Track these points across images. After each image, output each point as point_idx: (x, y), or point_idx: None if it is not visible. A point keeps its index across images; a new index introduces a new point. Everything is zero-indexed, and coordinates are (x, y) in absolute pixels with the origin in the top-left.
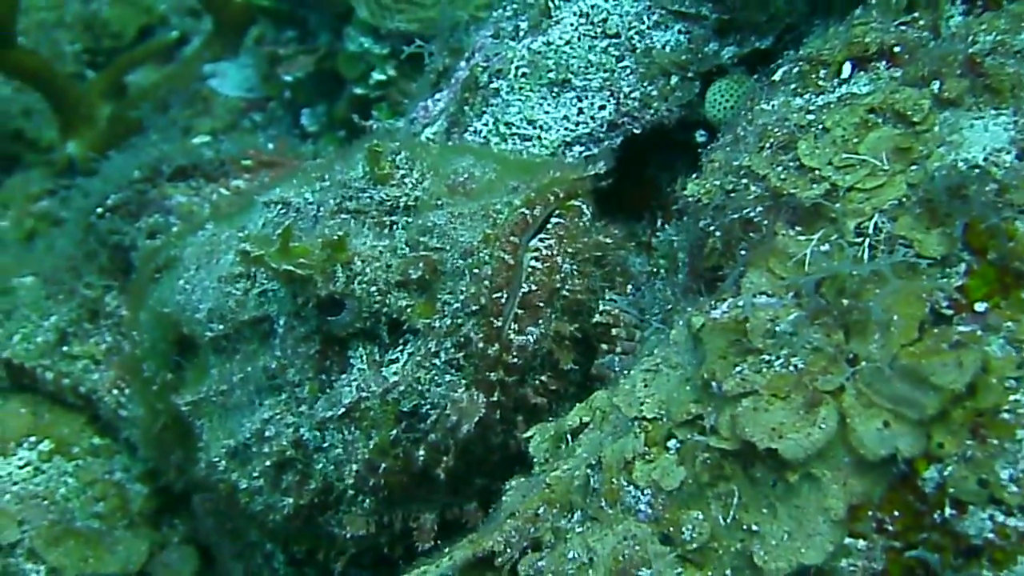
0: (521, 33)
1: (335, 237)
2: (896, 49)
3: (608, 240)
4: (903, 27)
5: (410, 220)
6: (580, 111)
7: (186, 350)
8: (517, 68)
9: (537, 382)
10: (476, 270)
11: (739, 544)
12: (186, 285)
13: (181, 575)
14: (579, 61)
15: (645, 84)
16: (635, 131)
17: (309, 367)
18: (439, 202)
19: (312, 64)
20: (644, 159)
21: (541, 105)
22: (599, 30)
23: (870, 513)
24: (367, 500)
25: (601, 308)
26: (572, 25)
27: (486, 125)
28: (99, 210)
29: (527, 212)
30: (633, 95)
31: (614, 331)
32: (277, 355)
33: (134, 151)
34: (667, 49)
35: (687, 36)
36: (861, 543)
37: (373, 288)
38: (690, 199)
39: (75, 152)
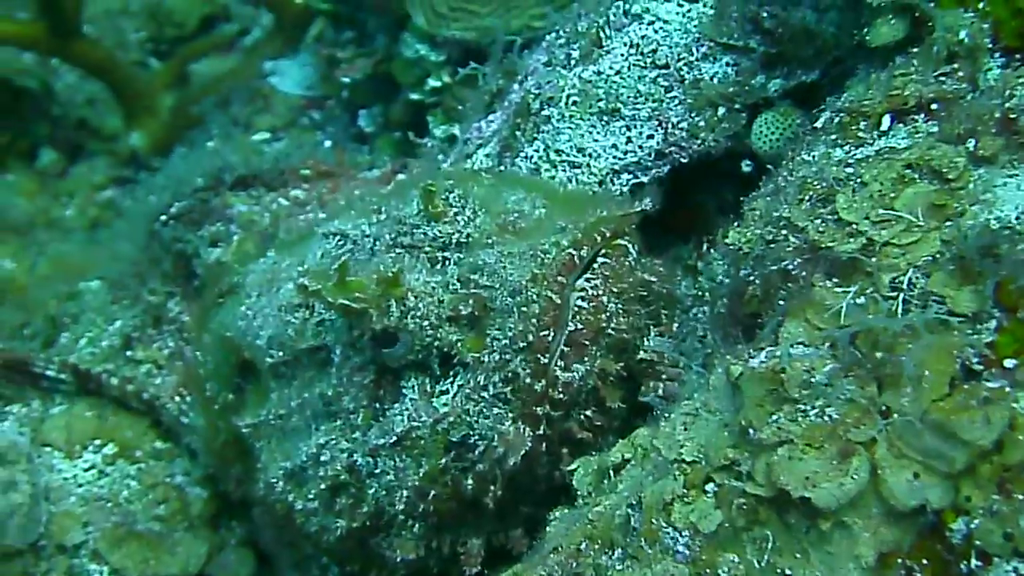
0: (573, 62)
1: (389, 274)
2: (933, 106)
3: (653, 278)
4: (942, 78)
5: (462, 256)
6: (629, 140)
7: (247, 373)
8: (568, 96)
9: (582, 417)
10: (524, 308)
11: None
12: (248, 311)
13: None
14: (629, 91)
15: (693, 115)
16: (682, 160)
17: (364, 395)
18: (490, 240)
19: (369, 67)
20: (691, 187)
21: (591, 133)
22: (649, 60)
23: (900, 561)
24: (416, 525)
25: (645, 346)
26: (622, 55)
27: (537, 151)
28: (163, 218)
29: (574, 252)
30: (681, 125)
31: (657, 368)
32: (333, 383)
33: (196, 154)
34: (715, 81)
35: (735, 68)
36: None
37: (425, 323)
38: (731, 247)
39: (138, 143)
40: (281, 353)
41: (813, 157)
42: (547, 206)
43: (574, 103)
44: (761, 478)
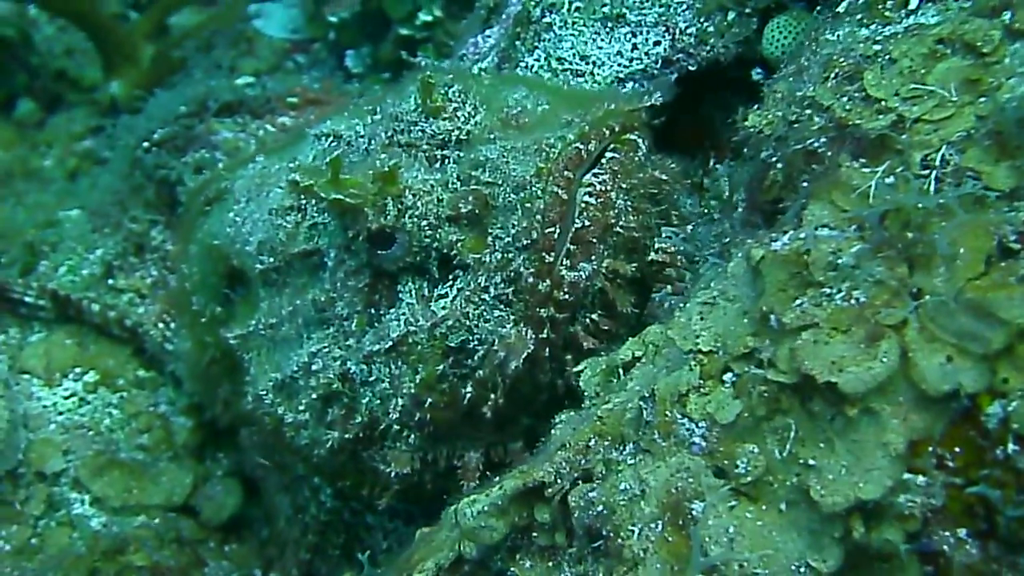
0: None
1: (386, 169)
2: None
3: (664, 176)
4: None
5: (462, 154)
6: (634, 47)
7: (236, 283)
8: (571, 2)
9: (588, 321)
10: (528, 204)
11: (795, 478)
12: (236, 218)
13: (225, 507)
14: None
15: (701, 20)
16: (690, 68)
17: (358, 301)
18: (492, 136)
19: (358, 4)
20: (699, 97)
21: (594, 40)
22: None
23: (930, 449)
24: (412, 436)
25: (656, 246)
26: None
27: (538, 60)
28: (145, 144)
29: (581, 146)
30: (689, 31)
31: (668, 271)
32: (326, 288)
33: (179, 89)
34: None
35: None
36: (920, 479)
37: (424, 222)
38: (751, 130)
39: (119, 91)
40: (272, 259)
41: (838, 36)
42: (551, 102)
43: (577, 9)
44: (784, 364)
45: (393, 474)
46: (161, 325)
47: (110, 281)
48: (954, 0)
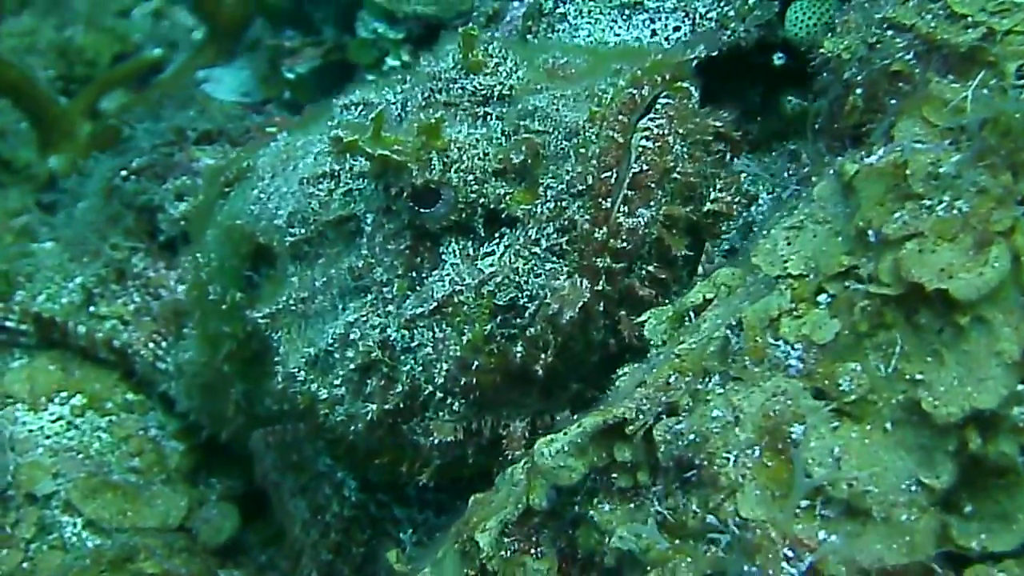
0: None
1: (430, 122)
2: None
3: (718, 123)
4: None
5: (505, 110)
6: (654, 33)
7: (260, 263)
8: None
9: (644, 272)
10: (583, 150)
11: (901, 395)
12: (261, 195)
13: (223, 530)
14: None
15: (721, 4)
16: (711, 54)
17: (399, 264)
18: (538, 87)
19: (319, 56)
20: (715, 86)
21: (612, 28)
22: None
23: None
24: (456, 403)
25: (712, 196)
26: None
27: None
28: (123, 173)
29: (635, 91)
30: (709, 15)
31: (725, 221)
32: (364, 254)
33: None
34: None
35: None
36: None
37: (470, 176)
38: (828, 55)
39: (57, 166)
40: (303, 230)
41: None
42: (594, 58)
43: None
44: (887, 277)
45: (435, 444)
46: (152, 345)
47: (91, 308)
48: None
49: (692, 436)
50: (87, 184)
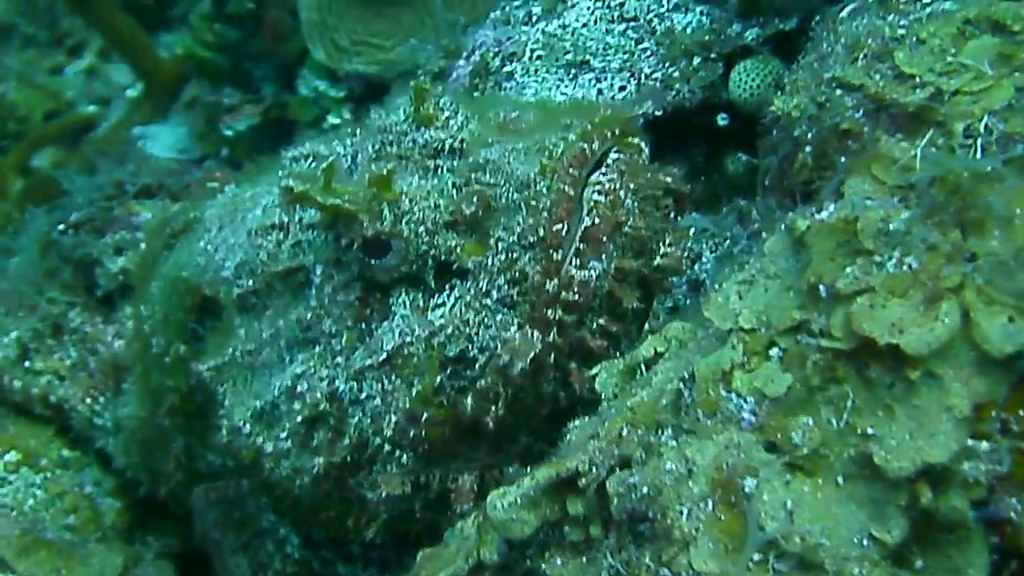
0: (534, 18)
1: (382, 173)
2: None
3: (668, 178)
4: None
5: (456, 163)
6: (599, 92)
7: (206, 316)
8: (532, 51)
9: (595, 324)
10: (534, 202)
11: (853, 449)
12: (208, 246)
13: None
14: (597, 43)
15: (666, 65)
16: (656, 113)
17: (348, 316)
18: (489, 140)
19: (259, 114)
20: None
21: (558, 87)
22: (616, 13)
23: (994, 413)
24: (404, 456)
25: (662, 250)
26: (588, 8)
27: None
28: (61, 226)
29: (586, 145)
30: (654, 76)
31: (673, 277)
32: (313, 305)
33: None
34: (688, 31)
35: (708, 17)
36: (985, 444)
37: (421, 228)
38: (778, 114)
39: None
40: (251, 281)
41: (856, 26)
42: (543, 113)
43: (539, 57)
44: (839, 331)
45: (382, 498)
46: (89, 400)
47: (26, 363)
48: None
49: (645, 489)
50: (22, 237)
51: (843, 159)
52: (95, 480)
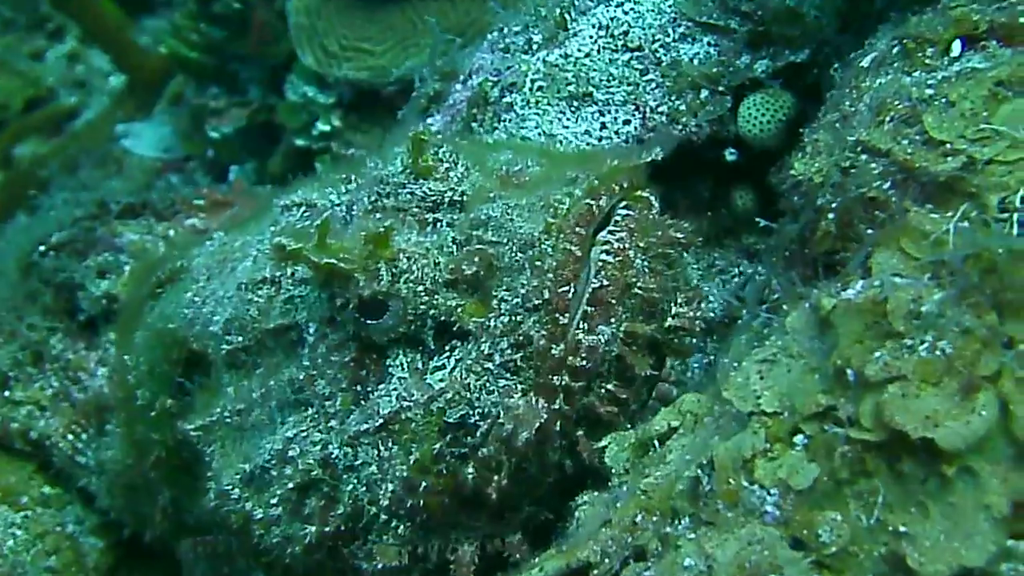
0: (535, 46)
1: (379, 231)
2: (1005, 28)
3: (680, 235)
4: (1005, 6)
5: (456, 217)
6: (603, 125)
7: (193, 370)
8: (532, 81)
9: (603, 390)
10: (539, 263)
11: (884, 548)
12: (195, 298)
13: None
14: (600, 74)
15: (673, 98)
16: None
17: (343, 377)
18: (491, 195)
19: (245, 118)
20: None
21: (560, 120)
22: (620, 43)
23: None
24: (401, 526)
25: (674, 311)
26: (591, 37)
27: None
28: (42, 248)
29: (592, 202)
30: (660, 109)
31: (687, 339)
32: (305, 365)
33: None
34: (695, 62)
35: (716, 49)
36: None
37: (420, 287)
38: (799, 178)
39: None
40: (241, 338)
41: (879, 84)
42: (546, 162)
43: (540, 88)
44: (868, 421)
45: (378, 569)
46: (71, 437)
47: (6, 393)
48: (999, 48)
49: None
50: (1, 255)
51: (869, 231)
52: (77, 518)
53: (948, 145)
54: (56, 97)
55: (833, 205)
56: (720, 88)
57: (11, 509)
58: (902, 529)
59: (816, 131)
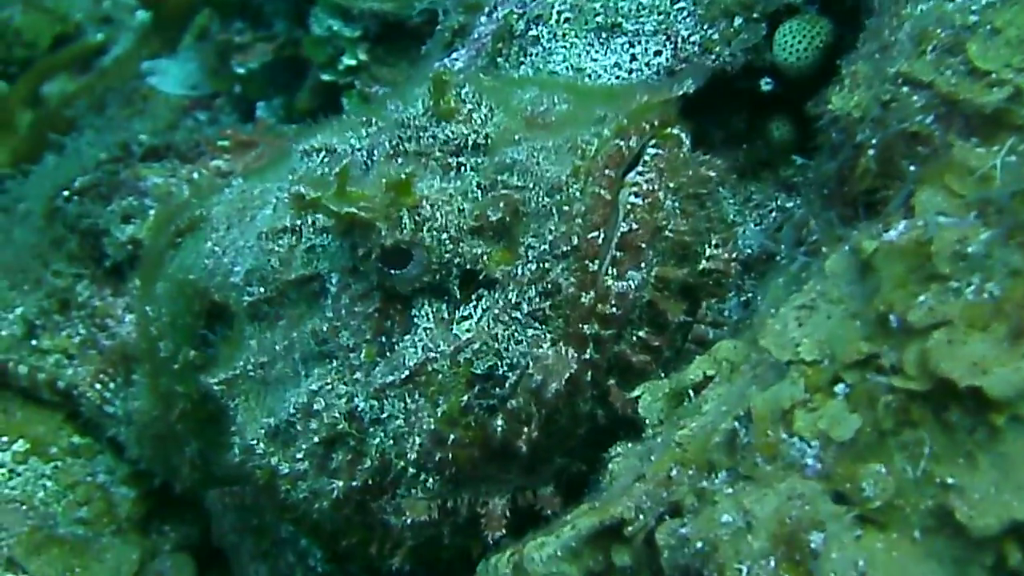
0: None
1: (400, 177)
2: None
3: (712, 173)
4: None
5: (481, 160)
6: (633, 57)
7: (215, 322)
8: (559, 13)
9: (635, 338)
10: (566, 207)
11: (931, 501)
12: (216, 247)
13: None
14: (629, 3)
15: (705, 27)
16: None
17: (367, 328)
18: (516, 137)
19: (271, 52)
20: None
21: (588, 52)
22: None
23: None
24: (430, 479)
25: (708, 252)
26: None
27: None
28: (66, 193)
29: (621, 143)
30: (692, 39)
31: (721, 281)
32: (328, 317)
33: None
34: None
35: None
36: None
37: (444, 235)
38: (836, 113)
39: None
40: (262, 289)
41: (921, 10)
42: (573, 99)
43: (567, 20)
44: (913, 369)
45: (407, 524)
46: (98, 386)
47: (33, 342)
48: None
49: (699, 544)
50: (27, 199)
51: (912, 167)
52: (108, 468)
53: (993, 75)
54: (84, 34)
55: (873, 141)
56: (754, 15)
57: (41, 460)
58: (950, 481)
59: (854, 62)
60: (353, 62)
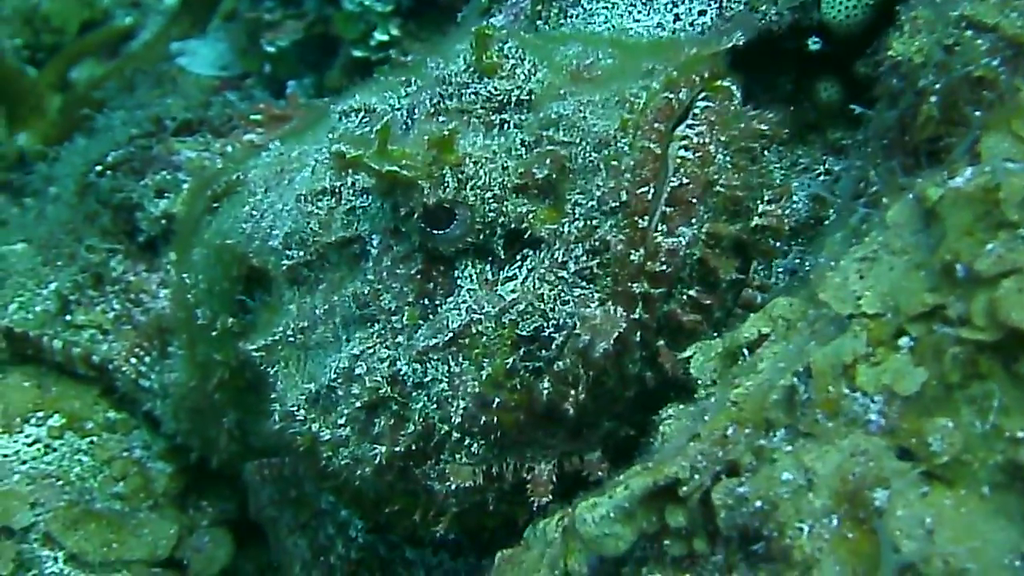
0: None
1: (442, 135)
2: None
3: (764, 127)
4: None
5: (524, 117)
6: (676, 17)
7: (254, 287)
8: None
9: (685, 297)
10: (615, 162)
11: (1000, 456)
12: (253, 211)
13: (216, 560)
14: None
15: None
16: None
17: (408, 291)
18: (561, 92)
19: (301, 30)
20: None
21: (630, 12)
22: None
23: None
24: (475, 444)
25: (761, 208)
26: None
27: None
28: (99, 168)
29: (671, 96)
30: None
31: (775, 239)
32: (370, 279)
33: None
34: None
35: None
36: None
37: (488, 193)
38: (897, 59)
39: (26, 144)
40: (301, 252)
41: None
42: (619, 54)
43: None
44: (981, 320)
45: (451, 490)
46: (134, 360)
47: (67, 317)
48: None
49: (758, 503)
50: (59, 176)
51: (977, 113)
52: (144, 443)
53: None
54: (112, 18)
55: (936, 87)
56: None
57: (77, 435)
58: (1020, 435)
59: (914, 7)
60: (385, 37)
